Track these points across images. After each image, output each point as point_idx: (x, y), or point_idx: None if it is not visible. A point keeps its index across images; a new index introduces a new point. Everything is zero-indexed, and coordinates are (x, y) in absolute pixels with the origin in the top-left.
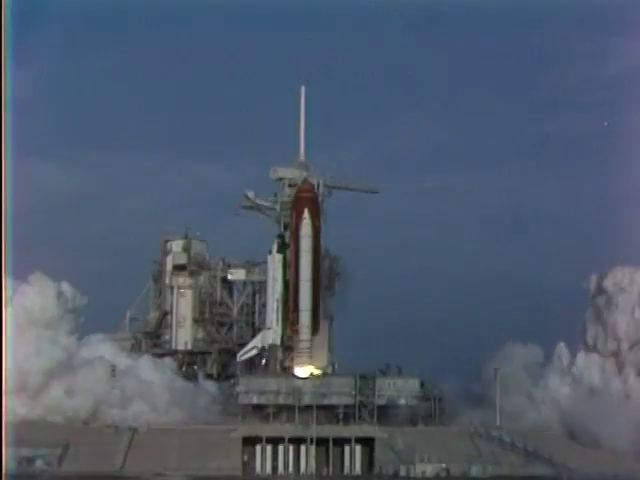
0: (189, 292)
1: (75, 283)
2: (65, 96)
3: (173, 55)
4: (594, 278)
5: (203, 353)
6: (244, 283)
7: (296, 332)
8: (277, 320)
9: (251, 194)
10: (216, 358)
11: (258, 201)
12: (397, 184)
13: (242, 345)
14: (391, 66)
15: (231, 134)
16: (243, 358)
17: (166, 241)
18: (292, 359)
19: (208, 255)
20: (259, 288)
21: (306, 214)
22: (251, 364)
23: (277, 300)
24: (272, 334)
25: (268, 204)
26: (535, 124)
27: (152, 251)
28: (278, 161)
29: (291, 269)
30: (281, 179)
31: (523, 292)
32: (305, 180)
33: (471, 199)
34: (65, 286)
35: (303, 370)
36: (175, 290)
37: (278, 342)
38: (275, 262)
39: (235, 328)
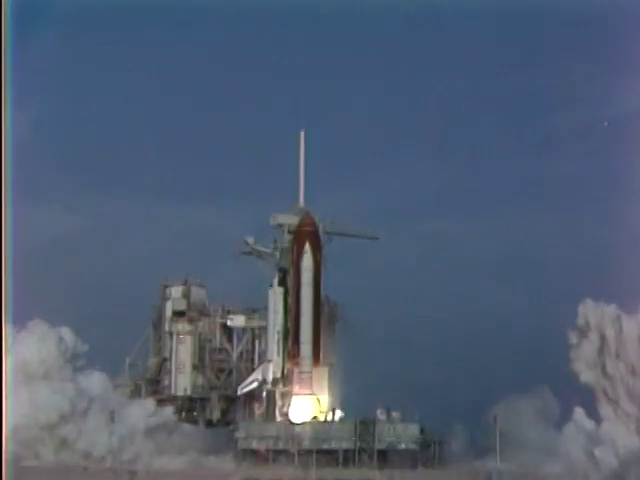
0: (188, 338)
1: (75, 329)
2: (66, 139)
3: (171, 102)
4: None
5: (202, 399)
6: (244, 329)
7: (297, 364)
8: (278, 352)
9: (251, 240)
10: (215, 404)
11: (258, 247)
12: (397, 229)
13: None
14: (389, 110)
15: (230, 180)
16: (244, 391)
17: (165, 287)
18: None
19: (208, 301)
20: (259, 334)
21: (307, 247)
22: (252, 397)
23: (278, 332)
24: (273, 366)
25: (268, 250)
26: (534, 167)
27: (151, 297)
28: (278, 207)
29: (292, 302)
30: (281, 225)
31: (524, 337)
32: (306, 214)
33: (471, 243)
34: (65, 333)
35: (303, 411)
36: (174, 336)
37: (279, 374)
38: (276, 295)
39: (235, 374)
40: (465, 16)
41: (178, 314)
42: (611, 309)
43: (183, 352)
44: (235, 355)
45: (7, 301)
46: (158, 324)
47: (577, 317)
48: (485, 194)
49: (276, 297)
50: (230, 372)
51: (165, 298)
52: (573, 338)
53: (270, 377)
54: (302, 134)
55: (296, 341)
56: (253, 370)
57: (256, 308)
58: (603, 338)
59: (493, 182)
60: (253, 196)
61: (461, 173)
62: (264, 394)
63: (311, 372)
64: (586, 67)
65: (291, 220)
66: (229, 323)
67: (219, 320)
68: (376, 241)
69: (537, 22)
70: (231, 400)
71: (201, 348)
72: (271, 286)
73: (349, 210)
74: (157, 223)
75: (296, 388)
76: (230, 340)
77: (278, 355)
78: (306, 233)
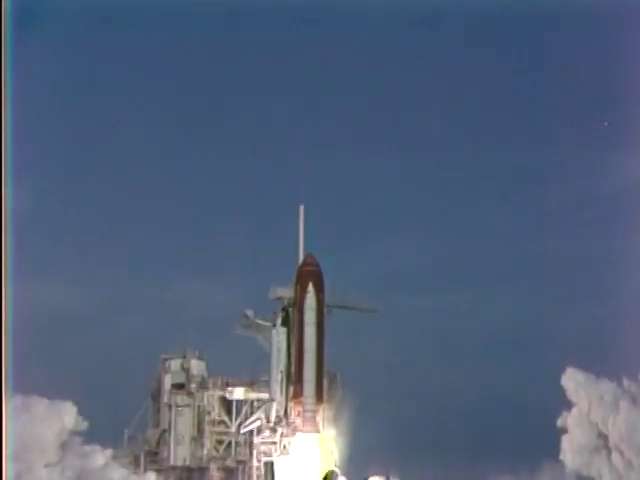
0: (187, 410)
1: (75, 402)
2: (66, 213)
3: (171, 171)
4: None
5: (201, 469)
6: (243, 401)
7: (300, 403)
8: (281, 391)
9: (250, 313)
10: (214, 474)
11: (257, 320)
12: (396, 303)
13: (241, 462)
14: (389, 184)
15: (230, 253)
16: (246, 430)
17: (164, 360)
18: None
19: (207, 374)
20: (258, 406)
21: (310, 287)
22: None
23: (281, 372)
24: (276, 405)
25: (267, 323)
26: (533, 242)
27: (151, 369)
28: (277, 280)
29: (295, 341)
30: (280, 298)
31: (523, 413)
32: (309, 255)
33: (470, 318)
34: (65, 409)
35: (307, 449)
36: (173, 408)
37: (282, 413)
38: (279, 335)
39: (233, 445)
40: (457, 87)
41: (177, 386)
42: (612, 386)
43: (182, 424)
44: (234, 427)
45: (7, 375)
46: (157, 396)
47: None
48: (484, 269)
49: (279, 337)
50: (229, 443)
51: (164, 371)
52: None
53: (273, 416)
54: (301, 207)
55: (299, 380)
56: (252, 441)
57: (255, 380)
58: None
59: (492, 257)
60: (252, 269)
61: (460, 248)
62: (262, 465)
63: (314, 411)
64: (586, 140)
65: (291, 293)
66: (228, 396)
67: (218, 392)
68: (376, 314)
69: (536, 100)
70: (230, 471)
71: (200, 420)
72: (274, 326)
73: (349, 283)
74: (157, 296)
75: (300, 425)
76: (229, 412)
77: (281, 394)
78: (309, 273)
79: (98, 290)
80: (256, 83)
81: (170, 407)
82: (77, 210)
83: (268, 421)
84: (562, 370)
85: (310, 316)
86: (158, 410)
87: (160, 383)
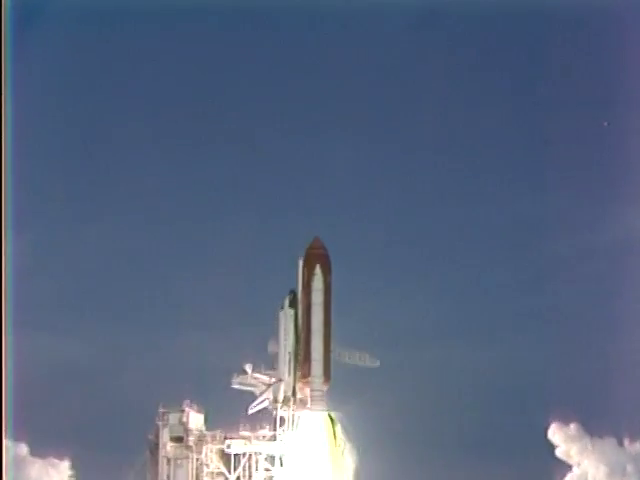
0: (186, 463)
1: (73, 456)
2: (66, 265)
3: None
4: None
5: None
6: (241, 454)
7: (308, 383)
8: (289, 372)
9: (248, 367)
10: None
11: (255, 374)
12: (397, 357)
13: None
14: (390, 238)
15: (228, 306)
16: (254, 410)
17: (163, 413)
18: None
19: (205, 427)
20: (257, 459)
21: (317, 269)
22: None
23: (289, 353)
24: (284, 386)
25: (265, 378)
26: (533, 296)
27: (149, 422)
28: (276, 333)
29: (303, 322)
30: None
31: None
32: (316, 239)
33: (470, 371)
34: (64, 468)
35: (315, 427)
36: (172, 461)
37: (290, 393)
38: (287, 316)
39: None
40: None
41: (175, 439)
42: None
43: (181, 477)
44: (233, 478)
45: (7, 425)
46: (155, 450)
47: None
48: (482, 322)
49: (287, 319)
50: None
51: (163, 424)
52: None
53: (281, 396)
54: (300, 261)
55: (307, 360)
56: None
57: (254, 432)
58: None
59: (491, 309)
60: (251, 322)
61: (459, 301)
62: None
63: (322, 390)
64: (587, 190)
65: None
66: (227, 450)
67: (216, 445)
68: (377, 368)
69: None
70: None
71: (198, 473)
72: (282, 308)
73: (349, 337)
74: (156, 349)
75: (308, 404)
76: (228, 465)
77: (289, 375)
78: (317, 255)
79: (96, 342)
80: (256, 83)
81: (168, 460)
82: (77, 260)
83: (276, 401)
84: (564, 426)
85: (317, 297)
86: (156, 463)
87: (158, 436)
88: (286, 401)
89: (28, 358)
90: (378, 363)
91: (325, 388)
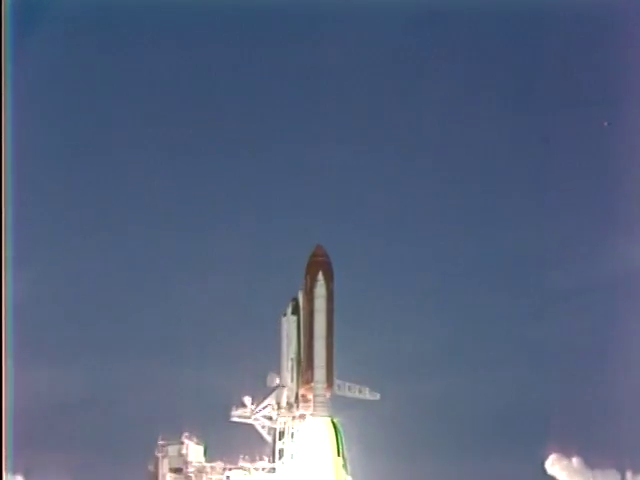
0: None
1: None
2: (65, 301)
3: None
4: None
5: None
6: None
7: (310, 390)
8: (292, 378)
9: (247, 400)
10: None
11: (254, 407)
12: (396, 389)
13: None
14: (387, 269)
15: (227, 340)
16: (258, 415)
17: (162, 445)
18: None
19: (205, 459)
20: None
21: (320, 276)
22: None
23: (291, 359)
24: (287, 392)
25: (265, 411)
26: (532, 328)
27: (148, 455)
28: (275, 366)
29: (305, 329)
30: (278, 386)
31: None
32: (318, 247)
33: (470, 403)
34: None
35: (319, 433)
36: None
37: (293, 399)
38: (290, 323)
39: None
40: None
41: (175, 471)
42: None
43: None
44: None
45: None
46: None
47: None
48: (482, 353)
49: (290, 325)
50: None
51: (162, 456)
52: None
53: (284, 402)
54: (300, 294)
55: (309, 366)
56: None
57: (253, 463)
58: None
59: (491, 340)
60: (251, 355)
61: (459, 332)
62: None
63: (325, 396)
64: (588, 222)
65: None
66: None
67: (216, 476)
68: (378, 400)
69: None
70: None
71: None
72: (284, 315)
73: (348, 369)
74: (154, 381)
75: (311, 410)
76: None
77: (292, 381)
78: (319, 263)
79: (95, 374)
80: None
81: None
82: (76, 293)
83: (279, 407)
84: (565, 459)
85: (320, 303)
86: None
87: (158, 468)
88: (289, 407)
89: (27, 390)
90: (378, 397)
91: (328, 394)
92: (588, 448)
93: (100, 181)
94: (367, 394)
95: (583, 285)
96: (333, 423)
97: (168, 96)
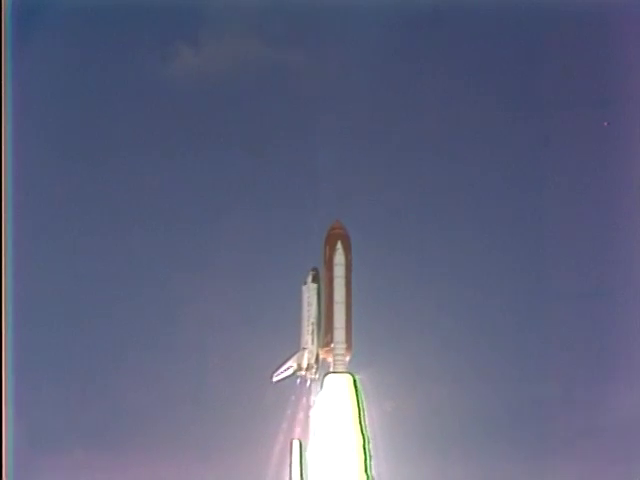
0: None
1: None
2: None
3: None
4: None
5: None
6: None
7: (331, 351)
8: (312, 341)
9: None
10: None
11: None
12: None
13: None
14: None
15: (226, 435)
16: (278, 378)
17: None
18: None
19: None
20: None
21: (339, 245)
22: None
23: (312, 324)
24: (307, 354)
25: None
26: (531, 389)
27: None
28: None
29: (325, 295)
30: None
31: None
32: (336, 221)
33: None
34: None
35: (338, 389)
36: None
37: (313, 361)
38: (310, 290)
39: None
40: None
41: None
42: None
43: None
44: None
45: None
46: None
47: None
48: (485, 416)
49: (310, 292)
50: None
51: None
52: None
53: (305, 363)
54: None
55: (329, 329)
56: None
57: None
58: None
59: (494, 404)
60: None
61: (459, 392)
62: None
63: (345, 355)
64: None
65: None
66: None
67: None
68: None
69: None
70: None
71: None
72: (305, 284)
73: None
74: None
75: (332, 367)
76: None
77: (312, 344)
78: (338, 234)
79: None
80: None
81: None
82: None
83: (300, 368)
84: None
85: (339, 270)
86: None
87: None
88: (309, 368)
89: (27, 390)
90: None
91: (348, 357)
92: None
93: (100, 180)
94: None
95: (583, 434)
96: (353, 379)
97: (168, 95)
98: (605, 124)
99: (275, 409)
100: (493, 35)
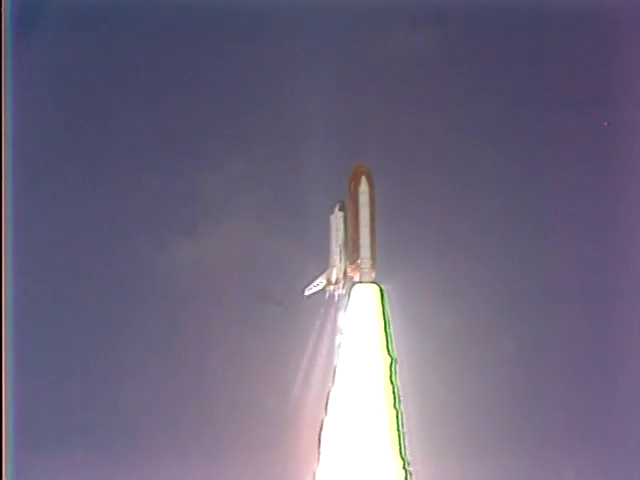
0: None
1: None
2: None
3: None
4: None
5: None
6: None
7: (357, 268)
8: (340, 259)
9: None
10: None
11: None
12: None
13: None
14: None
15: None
16: (309, 293)
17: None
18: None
19: None
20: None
21: (363, 179)
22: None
23: (339, 245)
24: (336, 270)
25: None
26: (532, 413)
27: None
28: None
29: (351, 221)
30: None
31: None
32: (360, 162)
33: None
34: None
35: (365, 298)
36: None
37: (341, 276)
38: (337, 217)
39: None
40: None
41: None
42: None
43: None
44: None
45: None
46: None
47: None
48: (487, 439)
49: (337, 219)
50: None
51: None
52: None
53: (334, 278)
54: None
55: (356, 248)
56: None
57: None
58: None
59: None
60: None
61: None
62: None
63: (371, 268)
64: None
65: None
66: None
67: None
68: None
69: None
70: None
71: None
72: (332, 213)
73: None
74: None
75: (358, 277)
76: None
77: (340, 261)
78: (362, 171)
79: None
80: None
81: None
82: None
83: (329, 283)
84: None
85: (364, 199)
86: None
87: None
88: (338, 282)
89: (27, 390)
90: None
91: (373, 273)
92: None
93: (99, 180)
94: None
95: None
96: (380, 289)
97: (168, 95)
98: (605, 124)
99: (306, 320)
100: (493, 35)
